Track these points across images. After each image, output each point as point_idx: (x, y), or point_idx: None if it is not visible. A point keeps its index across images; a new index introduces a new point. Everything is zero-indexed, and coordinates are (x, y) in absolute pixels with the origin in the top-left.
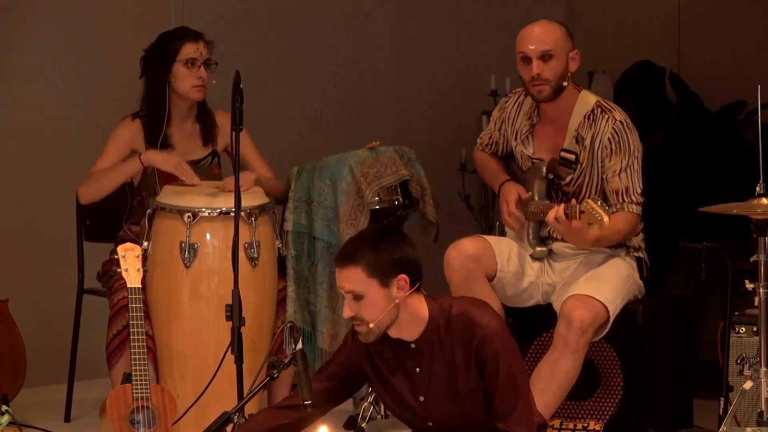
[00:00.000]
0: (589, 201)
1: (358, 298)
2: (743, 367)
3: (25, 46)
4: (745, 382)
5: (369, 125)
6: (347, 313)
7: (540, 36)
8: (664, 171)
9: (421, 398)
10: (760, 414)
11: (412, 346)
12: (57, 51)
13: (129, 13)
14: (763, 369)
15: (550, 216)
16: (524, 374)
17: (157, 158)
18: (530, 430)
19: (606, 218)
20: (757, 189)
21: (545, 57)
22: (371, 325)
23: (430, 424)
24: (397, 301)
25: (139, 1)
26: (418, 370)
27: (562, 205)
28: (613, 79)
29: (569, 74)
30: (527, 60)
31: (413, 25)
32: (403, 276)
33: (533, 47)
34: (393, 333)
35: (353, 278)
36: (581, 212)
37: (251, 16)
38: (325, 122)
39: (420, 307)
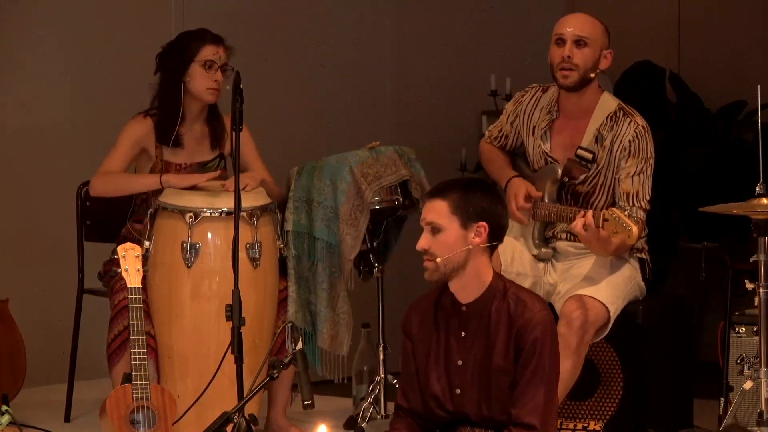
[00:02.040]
0: (615, 210)
1: (435, 230)
2: (743, 367)
3: (26, 46)
4: (745, 382)
5: (369, 125)
6: (421, 244)
7: (580, 22)
8: (664, 171)
9: (460, 362)
10: (760, 414)
11: (464, 309)
12: (57, 51)
13: (129, 13)
14: (763, 369)
15: (578, 225)
16: (555, 374)
17: (175, 182)
18: (541, 423)
19: (634, 228)
20: (757, 189)
21: (580, 43)
22: (438, 260)
23: (458, 391)
24: (470, 246)
25: (139, 1)
26: (463, 334)
27: (590, 212)
28: (613, 79)
29: (598, 71)
30: (561, 42)
31: (413, 25)
32: (484, 224)
33: (571, 30)
34: (453, 286)
35: (437, 210)
36: (605, 220)
37: (251, 17)
38: (325, 122)
39: (486, 270)
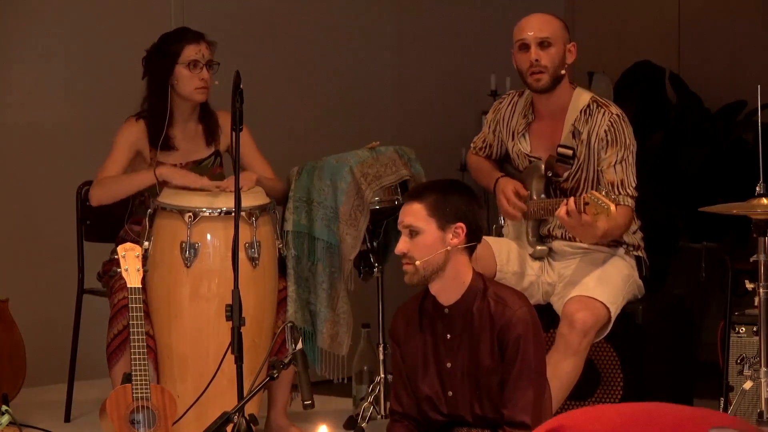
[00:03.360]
0: (593, 192)
1: (414, 233)
2: (743, 367)
3: (26, 46)
4: (745, 382)
5: (369, 125)
6: (399, 248)
7: (539, 24)
8: (664, 171)
9: (449, 365)
10: (760, 414)
11: (446, 311)
12: (57, 51)
13: (129, 13)
14: (763, 369)
15: (561, 211)
16: (542, 369)
17: (170, 174)
18: (534, 421)
19: (612, 206)
20: (757, 189)
21: (544, 44)
22: (417, 263)
23: (450, 393)
24: (448, 248)
25: (139, 1)
26: (448, 336)
27: (572, 199)
28: (613, 79)
29: (566, 66)
30: (525, 47)
31: (413, 25)
32: (461, 225)
33: (532, 33)
34: (434, 288)
35: (415, 213)
36: (585, 204)
37: (251, 16)
38: (325, 122)
39: (465, 270)
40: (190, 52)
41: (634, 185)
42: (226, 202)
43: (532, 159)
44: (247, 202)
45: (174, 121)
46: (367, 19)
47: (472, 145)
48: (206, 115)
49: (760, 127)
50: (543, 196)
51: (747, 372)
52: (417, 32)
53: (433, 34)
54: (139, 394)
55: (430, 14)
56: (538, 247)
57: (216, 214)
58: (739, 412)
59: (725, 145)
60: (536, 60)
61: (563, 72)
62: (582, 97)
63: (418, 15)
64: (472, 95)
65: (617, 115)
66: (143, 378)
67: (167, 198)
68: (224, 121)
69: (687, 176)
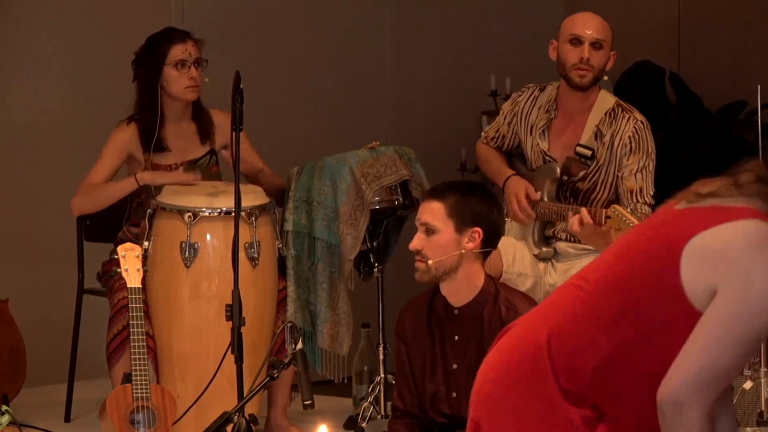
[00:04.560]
0: (617, 207)
1: (430, 232)
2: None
3: (25, 46)
4: (745, 382)
5: (369, 125)
6: (414, 244)
7: (597, 24)
8: (664, 171)
9: (455, 366)
10: (760, 414)
11: (456, 312)
12: (57, 51)
13: (129, 13)
14: (763, 369)
15: (574, 225)
16: None
17: (150, 177)
18: None
19: (638, 224)
20: None
21: (596, 45)
22: (430, 263)
23: (455, 394)
24: (463, 251)
25: (138, 1)
26: (456, 338)
27: (584, 209)
28: (613, 79)
29: (605, 71)
30: (578, 42)
31: (413, 25)
32: (478, 230)
33: (590, 32)
34: (444, 289)
35: (433, 211)
36: (607, 217)
37: (251, 16)
38: (325, 122)
39: (478, 274)
40: (177, 52)
41: (651, 193)
42: (226, 202)
43: (549, 158)
44: (246, 201)
45: (166, 122)
46: (367, 19)
47: (483, 134)
48: (199, 114)
49: (760, 127)
50: (554, 199)
51: (747, 372)
52: (417, 32)
53: (433, 34)
54: (139, 394)
55: (430, 14)
56: (545, 249)
57: (216, 214)
58: (738, 412)
59: (725, 145)
60: (587, 59)
61: (606, 78)
62: (606, 99)
63: (418, 14)
64: (472, 95)
65: (642, 122)
66: (143, 378)
67: (166, 198)
68: (219, 119)
69: (687, 176)
